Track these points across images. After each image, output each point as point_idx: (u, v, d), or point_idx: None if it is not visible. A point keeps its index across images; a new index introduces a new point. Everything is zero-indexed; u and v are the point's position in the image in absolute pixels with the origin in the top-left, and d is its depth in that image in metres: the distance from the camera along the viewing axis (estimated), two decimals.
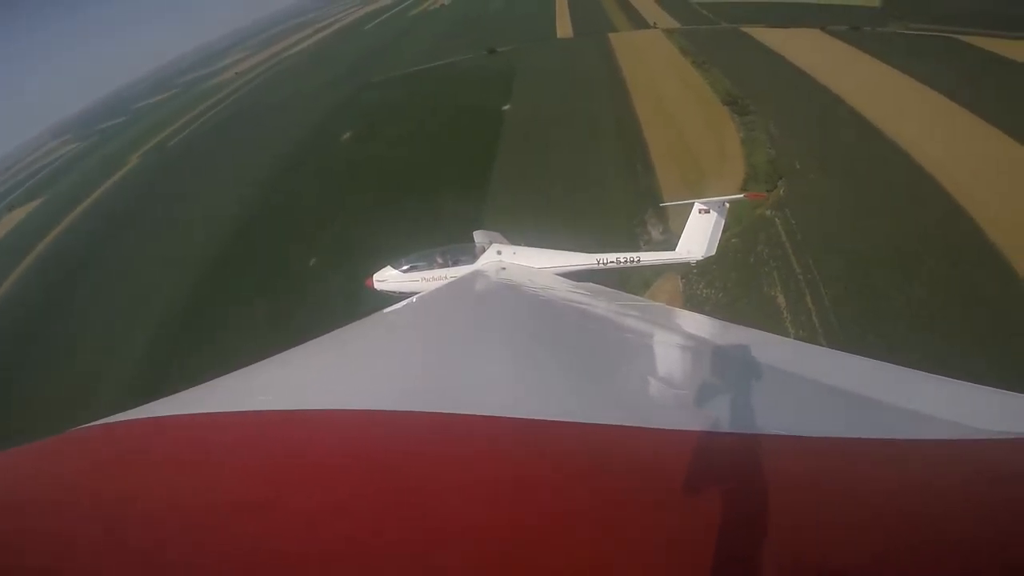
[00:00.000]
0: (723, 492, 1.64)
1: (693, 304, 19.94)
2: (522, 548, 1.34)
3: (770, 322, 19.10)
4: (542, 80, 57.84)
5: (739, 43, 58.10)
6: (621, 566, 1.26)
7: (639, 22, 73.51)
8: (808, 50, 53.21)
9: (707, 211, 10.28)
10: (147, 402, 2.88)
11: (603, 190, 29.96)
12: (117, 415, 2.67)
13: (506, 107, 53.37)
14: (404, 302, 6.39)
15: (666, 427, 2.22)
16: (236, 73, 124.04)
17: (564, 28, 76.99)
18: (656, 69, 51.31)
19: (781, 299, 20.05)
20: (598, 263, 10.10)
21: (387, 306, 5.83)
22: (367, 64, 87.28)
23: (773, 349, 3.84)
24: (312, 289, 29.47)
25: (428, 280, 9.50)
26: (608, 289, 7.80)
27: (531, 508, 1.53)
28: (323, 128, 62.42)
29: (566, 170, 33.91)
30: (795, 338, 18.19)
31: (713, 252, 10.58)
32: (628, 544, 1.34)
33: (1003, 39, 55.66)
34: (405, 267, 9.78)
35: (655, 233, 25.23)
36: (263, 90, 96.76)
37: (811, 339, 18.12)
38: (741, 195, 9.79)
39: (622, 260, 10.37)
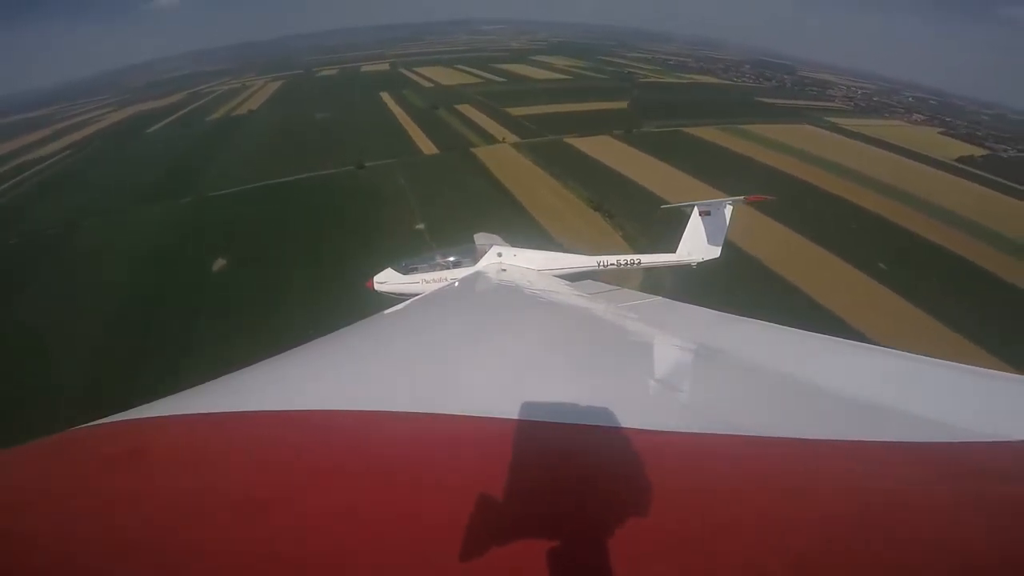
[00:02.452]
0: (722, 492, 1.71)
1: None
2: (522, 548, 1.37)
3: None
4: (436, 195, 62.27)
5: (568, 152, 79.63)
6: (620, 565, 1.28)
7: (487, 137, 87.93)
8: (609, 152, 78.15)
9: (707, 214, 10.41)
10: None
11: None
12: (117, 415, 2.69)
13: (420, 226, 54.62)
14: (404, 303, 6.43)
15: (667, 428, 2.29)
16: None
17: (425, 144, 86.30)
18: (527, 181, 67.82)
19: None
20: (599, 265, 10.13)
21: (388, 307, 5.94)
22: (184, 175, 76.59)
23: (774, 343, 4.05)
24: None
25: (428, 282, 9.41)
26: (608, 287, 8.03)
27: (531, 509, 1.56)
28: (176, 256, 49.31)
29: None
30: None
31: (717, 254, 10.71)
32: (627, 544, 1.36)
33: (711, 127, 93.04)
34: (406, 269, 9.69)
35: None
36: (31, 204, 74.24)
37: None
38: (741, 198, 10.37)
39: (623, 262, 10.41)
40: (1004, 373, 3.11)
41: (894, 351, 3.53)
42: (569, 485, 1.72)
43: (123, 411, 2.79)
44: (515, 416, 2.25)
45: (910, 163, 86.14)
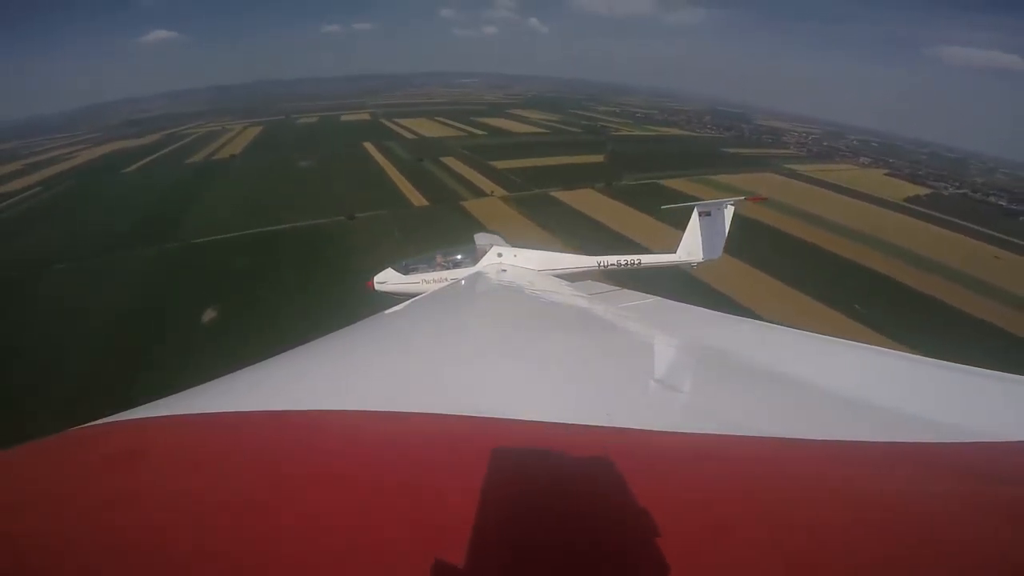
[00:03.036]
0: (721, 493, 1.72)
1: None
2: (520, 549, 1.38)
3: None
4: (432, 248, 60.14)
5: (556, 206, 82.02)
6: (620, 567, 1.28)
7: (476, 191, 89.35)
8: (594, 206, 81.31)
9: (708, 214, 10.50)
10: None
11: None
12: (117, 415, 2.69)
13: None
14: (405, 303, 6.46)
15: (666, 429, 2.29)
16: None
17: (415, 196, 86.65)
18: (522, 236, 68.46)
19: None
20: (599, 266, 10.17)
21: (388, 307, 5.95)
22: (166, 218, 74.45)
23: (774, 343, 4.05)
24: None
25: (429, 282, 9.45)
26: (608, 287, 8.07)
27: (531, 510, 1.55)
28: (161, 305, 46.78)
29: None
30: None
31: (718, 255, 10.76)
32: (625, 544, 1.37)
33: (685, 179, 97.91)
34: (406, 269, 9.74)
35: None
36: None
37: None
38: (742, 197, 10.81)
39: (623, 263, 10.46)
40: (1004, 373, 3.14)
41: (894, 352, 3.53)
42: (567, 486, 1.72)
43: (123, 411, 2.78)
44: (514, 416, 2.28)
45: (868, 207, 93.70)
